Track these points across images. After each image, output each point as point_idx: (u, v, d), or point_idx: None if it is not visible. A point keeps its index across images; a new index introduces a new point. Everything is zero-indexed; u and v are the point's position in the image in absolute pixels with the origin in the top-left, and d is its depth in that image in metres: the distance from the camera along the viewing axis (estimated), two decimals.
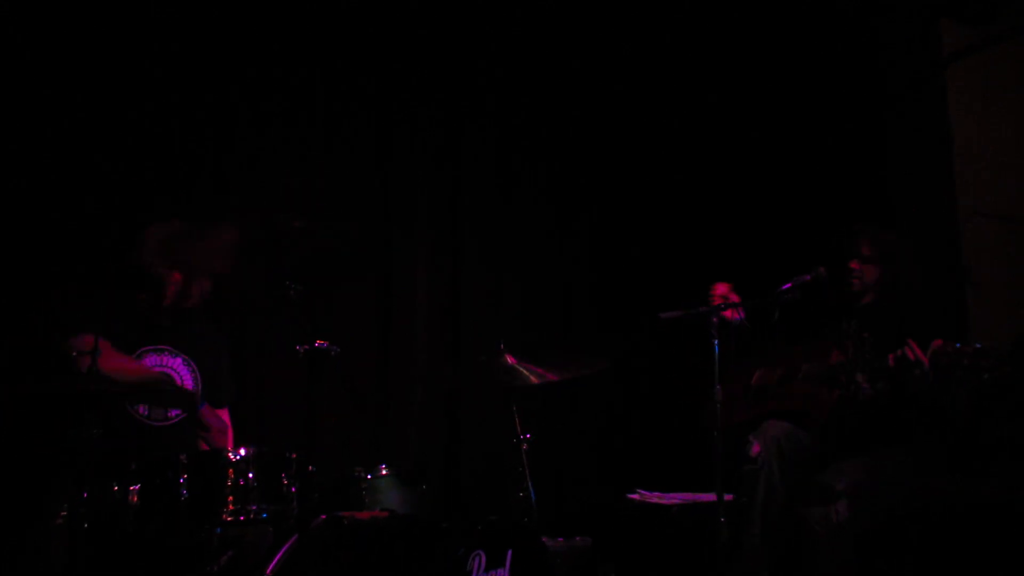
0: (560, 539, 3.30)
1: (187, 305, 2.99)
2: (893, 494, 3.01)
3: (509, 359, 3.21)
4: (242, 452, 2.54)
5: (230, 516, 2.47)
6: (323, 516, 2.55)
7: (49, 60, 3.31)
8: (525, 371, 3.21)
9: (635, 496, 3.56)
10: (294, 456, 2.61)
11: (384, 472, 2.90)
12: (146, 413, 2.93)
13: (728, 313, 3.26)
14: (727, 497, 2.95)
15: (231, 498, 2.48)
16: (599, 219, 4.65)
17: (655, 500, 3.48)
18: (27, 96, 3.25)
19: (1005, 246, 4.20)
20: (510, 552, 2.47)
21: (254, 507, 2.50)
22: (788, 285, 3.20)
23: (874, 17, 4.32)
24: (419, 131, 4.20)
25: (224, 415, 3.22)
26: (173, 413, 2.98)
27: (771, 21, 4.52)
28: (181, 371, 3.03)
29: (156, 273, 2.93)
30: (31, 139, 3.26)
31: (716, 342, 3.03)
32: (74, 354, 2.66)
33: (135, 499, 2.44)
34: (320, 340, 2.36)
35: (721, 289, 3.35)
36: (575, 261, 4.58)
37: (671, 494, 3.51)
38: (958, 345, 2.82)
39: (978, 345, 2.80)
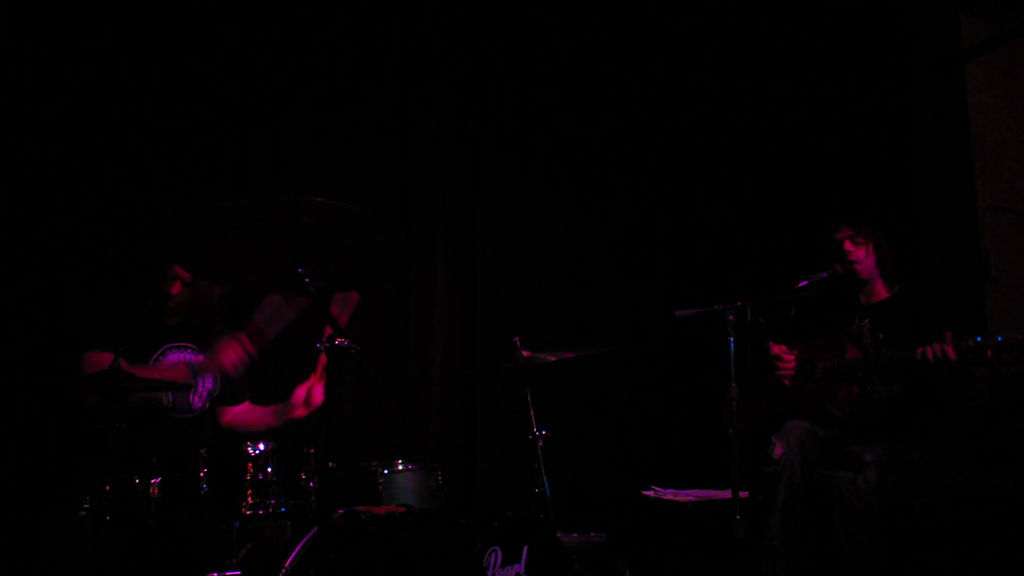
0: (575, 534, 3.31)
1: (206, 305, 3.02)
2: (916, 483, 3.01)
3: (526, 353, 3.22)
4: (261, 447, 2.57)
5: (249, 510, 2.50)
6: (340, 510, 2.58)
7: (70, 65, 3.34)
8: (541, 356, 3.22)
9: (650, 493, 3.57)
10: (312, 451, 2.65)
11: (401, 467, 2.93)
12: (171, 405, 2.98)
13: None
14: (743, 494, 2.95)
15: (250, 492, 2.52)
16: (615, 216, 4.65)
17: (670, 497, 3.48)
18: (47, 102, 3.29)
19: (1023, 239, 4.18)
20: (526, 548, 2.47)
21: (272, 501, 2.54)
22: (805, 282, 3.19)
23: (893, 17, 4.29)
24: (437, 131, 4.21)
25: (245, 405, 3.26)
26: (196, 406, 3.03)
27: (792, 20, 4.50)
28: None
29: (168, 276, 2.97)
30: (50, 146, 3.29)
31: (732, 340, 3.02)
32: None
33: (156, 492, 2.48)
34: (340, 338, 2.37)
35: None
36: (591, 257, 4.58)
37: (685, 491, 3.52)
38: (979, 339, 2.81)
39: (999, 338, 2.79)
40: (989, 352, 2.79)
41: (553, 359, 3.21)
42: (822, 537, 2.97)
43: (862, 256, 3.29)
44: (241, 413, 3.26)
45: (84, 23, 3.36)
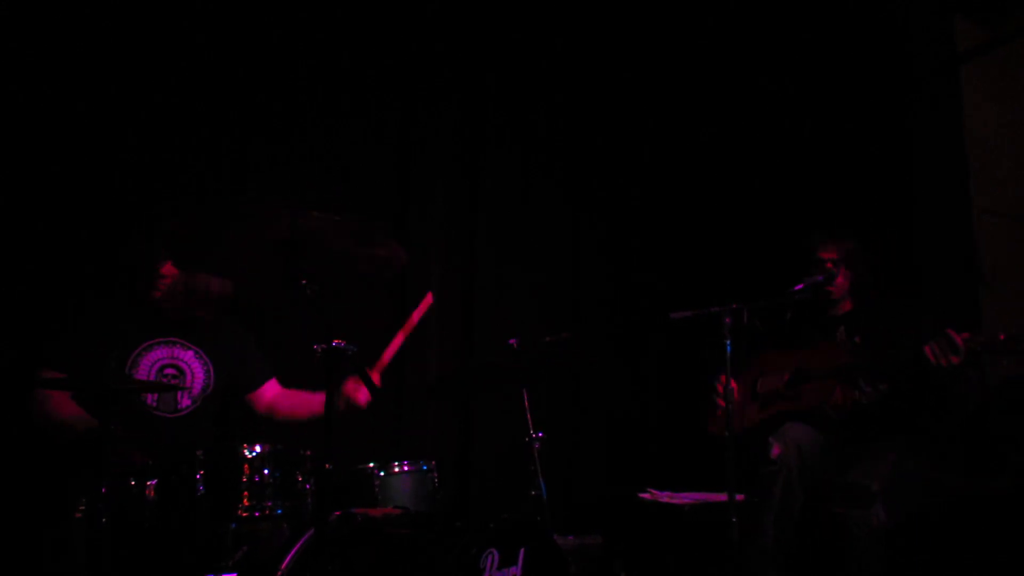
0: (571, 537, 3.32)
1: (197, 300, 3.00)
2: (915, 492, 3.02)
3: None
4: (257, 449, 2.57)
5: (245, 512, 2.50)
6: (337, 512, 2.58)
7: (70, 57, 3.34)
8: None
9: (646, 495, 3.57)
10: (308, 454, 2.65)
11: (397, 469, 2.92)
12: (155, 404, 2.97)
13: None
14: (739, 497, 2.95)
15: (246, 494, 2.52)
16: (613, 218, 4.66)
17: (666, 499, 3.49)
18: (47, 94, 3.29)
19: (1019, 245, 4.18)
20: (523, 551, 2.48)
21: (269, 503, 2.54)
22: (800, 286, 3.21)
23: (888, 21, 4.30)
24: (438, 132, 4.22)
25: (272, 387, 3.24)
26: (183, 404, 3.01)
27: (789, 23, 4.52)
28: (192, 363, 3.06)
29: (149, 266, 2.95)
30: (45, 140, 3.29)
31: (728, 342, 3.03)
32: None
33: (152, 494, 2.47)
34: (337, 340, 2.37)
35: None
36: (589, 260, 4.59)
37: (681, 494, 3.53)
38: (997, 335, 2.83)
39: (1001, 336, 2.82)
40: (999, 347, 2.81)
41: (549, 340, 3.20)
42: (819, 541, 2.98)
43: (838, 278, 3.33)
44: (281, 397, 3.22)
45: (83, 19, 3.36)
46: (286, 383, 3.30)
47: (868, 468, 3.02)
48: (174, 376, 3.02)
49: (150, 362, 2.98)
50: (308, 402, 3.17)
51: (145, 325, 2.99)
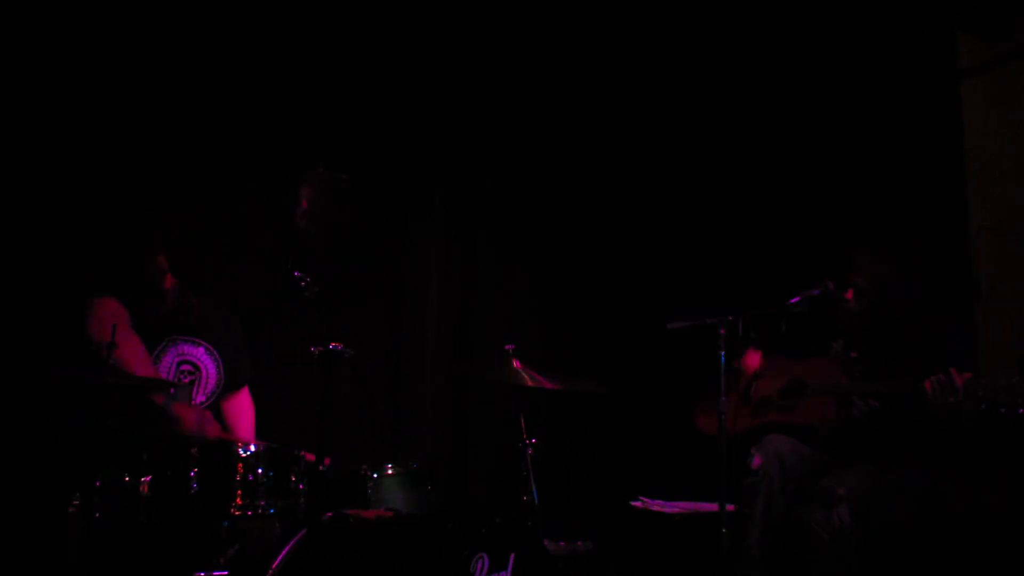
0: (563, 543, 3.33)
1: (197, 302, 3.02)
2: (898, 502, 3.02)
3: (515, 363, 3.22)
4: (252, 448, 2.59)
5: (238, 510, 2.52)
6: (329, 513, 2.59)
7: (70, 57, 3.34)
8: (527, 376, 3.20)
9: (638, 503, 3.59)
10: (302, 454, 2.66)
11: (390, 471, 2.93)
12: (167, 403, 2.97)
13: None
14: (729, 508, 2.96)
15: (240, 492, 2.54)
16: (611, 226, 4.66)
17: (657, 508, 3.50)
18: (47, 94, 3.30)
19: (1017, 261, 4.19)
20: (513, 555, 2.49)
21: (262, 502, 2.56)
22: (796, 299, 3.20)
23: (890, 35, 4.30)
24: (438, 132, 4.22)
25: (244, 396, 3.26)
26: (198, 401, 3.03)
27: (786, 25, 4.52)
28: (204, 359, 3.08)
29: (153, 272, 2.96)
30: (45, 140, 3.31)
31: (722, 353, 3.03)
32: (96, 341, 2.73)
33: (146, 490, 2.49)
34: (334, 342, 2.39)
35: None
36: (586, 267, 4.59)
37: (673, 503, 3.54)
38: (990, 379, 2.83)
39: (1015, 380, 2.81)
40: (1001, 395, 2.81)
41: (531, 384, 3.16)
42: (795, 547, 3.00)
43: (855, 303, 3.31)
44: (240, 407, 3.23)
45: (83, 19, 3.36)
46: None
47: (840, 474, 3.03)
48: (190, 372, 3.04)
49: (168, 363, 2.99)
50: (242, 428, 3.18)
51: (160, 323, 3.00)
